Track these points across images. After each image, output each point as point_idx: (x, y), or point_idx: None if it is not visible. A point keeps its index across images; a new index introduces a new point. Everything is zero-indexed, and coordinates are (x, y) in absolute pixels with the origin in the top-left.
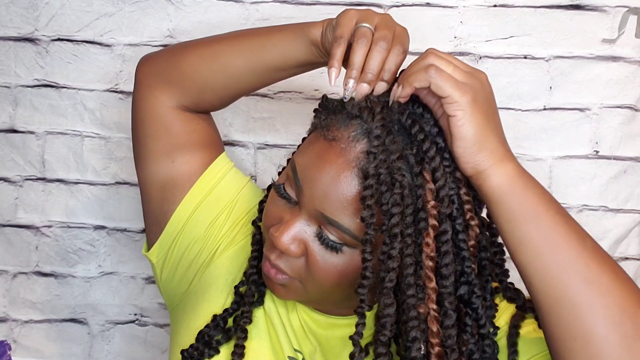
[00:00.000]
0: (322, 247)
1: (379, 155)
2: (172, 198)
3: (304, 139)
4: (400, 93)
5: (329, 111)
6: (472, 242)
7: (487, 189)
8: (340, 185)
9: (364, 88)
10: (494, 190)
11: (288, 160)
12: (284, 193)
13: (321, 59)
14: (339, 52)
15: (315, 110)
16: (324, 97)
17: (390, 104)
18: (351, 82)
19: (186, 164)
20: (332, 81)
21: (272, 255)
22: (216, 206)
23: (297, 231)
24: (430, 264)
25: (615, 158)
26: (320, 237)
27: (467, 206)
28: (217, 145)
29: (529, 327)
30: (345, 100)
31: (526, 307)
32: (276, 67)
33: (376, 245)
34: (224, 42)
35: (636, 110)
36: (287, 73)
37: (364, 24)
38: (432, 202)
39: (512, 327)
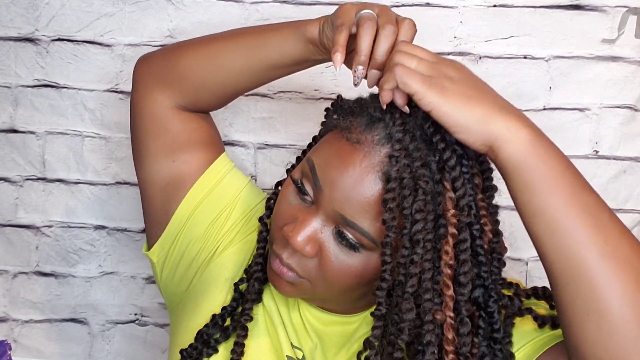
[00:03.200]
0: (338, 248)
1: (401, 160)
2: (174, 197)
3: (314, 138)
4: (382, 99)
5: (347, 112)
6: (485, 247)
7: (501, 161)
8: (363, 189)
9: (375, 74)
10: (508, 161)
11: (298, 157)
12: (303, 188)
13: (319, 56)
14: (341, 38)
15: (327, 109)
16: (339, 97)
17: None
18: (360, 68)
19: (187, 162)
20: (337, 65)
21: (284, 254)
22: (217, 205)
23: (313, 231)
24: (449, 271)
25: (615, 158)
26: (339, 236)
27: (482, 212)
28: (218, 144)
29: (524, 320)
30: (355, 87)
31: (523, 312)
32: (273, 65)
33: (395, 248)
34: (220, 41)
35: (636, 110)
36: (284, 71)
37: (365, 11)
38: (452, 211)
39: (506, 317)
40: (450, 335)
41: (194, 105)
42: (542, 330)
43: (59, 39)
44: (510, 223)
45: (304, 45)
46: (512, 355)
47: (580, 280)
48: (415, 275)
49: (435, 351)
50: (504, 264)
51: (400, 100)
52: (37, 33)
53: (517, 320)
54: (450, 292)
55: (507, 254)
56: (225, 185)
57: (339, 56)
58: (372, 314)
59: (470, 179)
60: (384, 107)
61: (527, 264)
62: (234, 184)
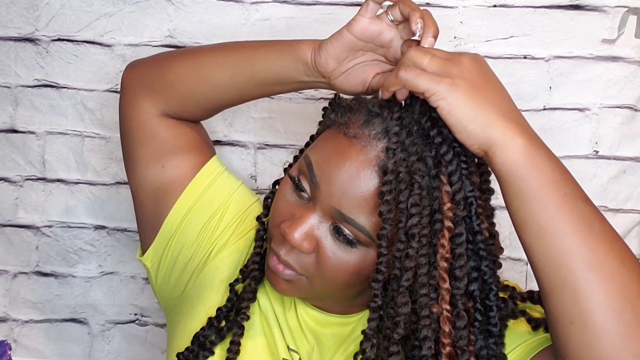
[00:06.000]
0: (335, 244)
1: (397, 153)
2: (165, 202)
3: (312, 137)
4: (381, 95)
5: (345, 109)
6: (484, 239)
7: (495, 166)
8: (359, 183)
9: (432, 42)
10: (500, 168)
11: (295, 157)
12: (300, 185)
13: (306, 77)
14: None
15: (324, 109)
16: (337, 96)
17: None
18: (420, 21)
19: (176, 167)
20: (417, 29)
21: (281, 251)
22: (209, 208)
23: (310, 227)
24: (445, 265)
25: (615, 158)
26: (335, 232)
27: (479, 209)
28: (207, 147)
29: (517, 322)
30: (419, 37)
31: (516, 314)
32: (259, 82)
33: (391, 241)
34: (211, 54)
35: (636, 110)
36: (269, 89)
37: None
38: (449, 205)
39: (500, 318)
40: (447, 328)
41: (179, 115)
42: (536, 332)
43: (59, 39)
44: (510, 223)
45: (293, 64)
46: (504, 357)
47: (566, 289)
48: (411, 269)
49: (432, 346)
50: (500, 266)
51: (401, 96)
52: (37, 33)
53: (511, 322)
54: (447, 285)
55: (507, 254)
56: (216, 188)
57: (419, 21)
58: (368, 305)
59: (468, 175)
60: (383, 97)
61: (527, 264)
62: (225, 186)
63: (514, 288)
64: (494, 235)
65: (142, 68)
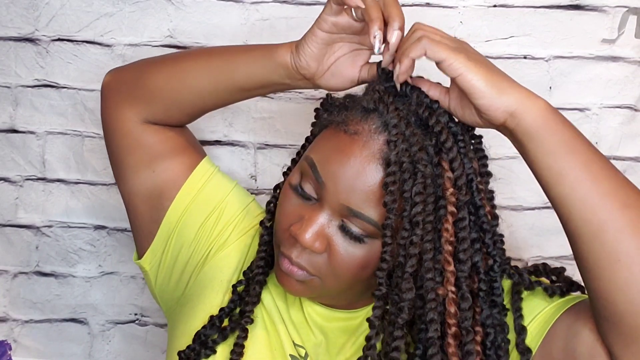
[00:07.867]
0: (345, 240)
1: (399, 144)
2: (160, 205)
3: (307, 139)
4: (400, 69)
5: (340, 107)
6: (488, 214)
7: (524, 126)
8: (365, 178)
9: (398, 35)
10: (531, 126)
11: (293, 160)
12: (304, 193)
13: (287, 80)
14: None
15: (317, 109)
16: (329, 96)
17: (399, 89)
18: (378, 33)
19: (167, 170)
20: (375, 43)
21: (293, 253)
22: (205, 208)
23: (320, 227)
24: (449, 248)
25: (615, 158)
26: (344, 230)
27: (481, 194)
28: (196, 148)
29: (533, 293)
30: (379, 53)
31: (533, 284)
32: (240, 87)
33: (396, 229)
34: (190, 61)
35: (636, 110)
36: (251, 94)
37: None
38: (451, 190)
39: (514, 292)
40: (452, 309)
41: (163, 121)
42: (552, 299)
43: (59, 39)
44: (510, 223)
45: (273, 69)
46: (523, 329)
47: (608, 229)
48: (415, 256)
49: (438, 328)
50: (503, 242)
51: (404, 67)
52: (37, 33)
53: (526, 293)
54: (452, 267)
55: (507, 254)
56: (212, 188)
57: (378, 34)
58: (372, 293)
59: (467, 159)
60: (400, 80)
61: (527, 264)
62: (221, 186)
63: (517, 267)
64: (496, 216)
65: (122, 77)
